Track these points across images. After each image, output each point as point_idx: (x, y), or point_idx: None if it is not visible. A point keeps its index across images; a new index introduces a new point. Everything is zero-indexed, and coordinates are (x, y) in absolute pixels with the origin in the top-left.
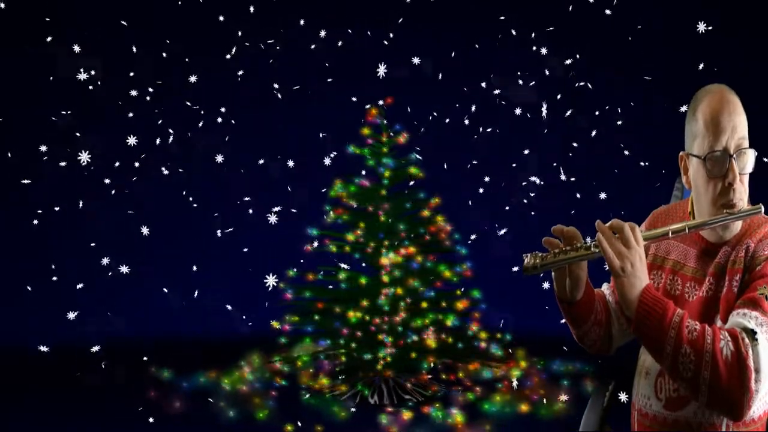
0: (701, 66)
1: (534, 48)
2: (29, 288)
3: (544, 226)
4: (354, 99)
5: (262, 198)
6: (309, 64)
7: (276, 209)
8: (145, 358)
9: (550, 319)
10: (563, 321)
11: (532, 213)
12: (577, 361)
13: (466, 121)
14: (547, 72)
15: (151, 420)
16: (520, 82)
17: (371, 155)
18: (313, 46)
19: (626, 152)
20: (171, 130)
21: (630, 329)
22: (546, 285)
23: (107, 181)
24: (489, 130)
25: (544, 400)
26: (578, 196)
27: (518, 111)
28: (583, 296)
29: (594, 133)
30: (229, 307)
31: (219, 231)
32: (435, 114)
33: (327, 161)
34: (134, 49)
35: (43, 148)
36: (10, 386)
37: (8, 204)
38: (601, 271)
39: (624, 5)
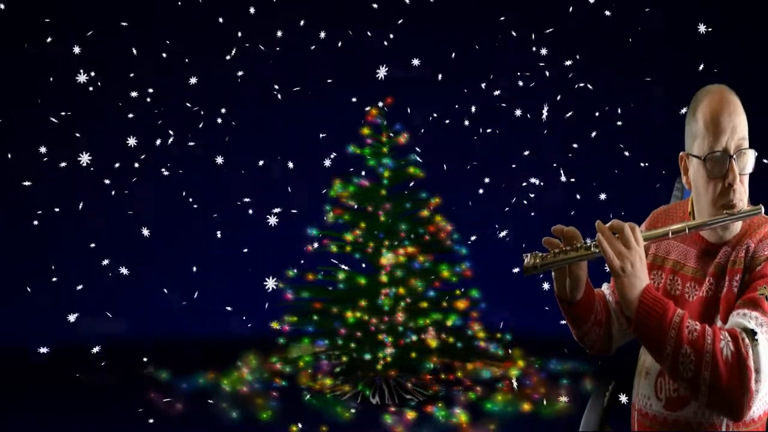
0: (701, 67)
1: (534, 49)
2: (29, 289)
3: (544, 227)
4: (354, 100)
5: (262, 199)
6: (309, 64)
7: (276, 211)
8: (144, 359)
9: (549, 318)
10: (563, 322)
11: (532, 214)
12: (574, 360)
13: (466, 122)
14: (547, 73)
15: (151, 421)
16: (521, 83)
17: (371, 155)
18: (313, 47)
19: (626, 153)
20: (171, 132)
21: (630, 329)
22: (546, 286)
23: (107, 181)
24: (489, 130)
25: (546, 400)
26: (578, 197)
27: (518, 112)
28: (583, 296)
29: (594, 133)
30: (228, 308)
31: (219, 232)
32: (435, 115)
33: (327, 162)
34: (134, 50)
35: (43, 149)
36: (10, 386)
37: (8, 205)
38: (601, 271)
39: (624, 6)
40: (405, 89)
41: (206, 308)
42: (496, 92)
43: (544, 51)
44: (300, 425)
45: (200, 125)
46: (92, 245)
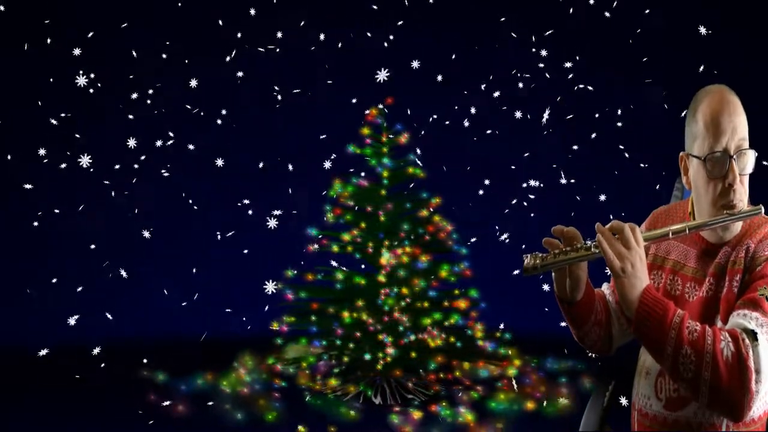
0: (701, 68)
1: (534, 50)
2: (29, 290)
3: (544, 228)
4: (354, 101)
5: (263, 199)
6: (309, 65)
7: (276, 213)
8: (144, 360)
9: (547, 318)
10: (563, 324)
11: (532, 215)
12: (570, 359)
13: (466, 123)
14: (547, 74)
15: (151, 422)
16: (521, 84)
17: (372, 155)
18: (313, 48)
19: (626, 154)
20: (171, 133)
21: (630, 330)
22: (546, 287)
23: (107, 182)
24: (489, 131)
25: (548, 398)
26: (578, 198)
27: (518, 113)
28: (584, 296)
29: (594, 135)
30: (228, 310)
31: (219, 233)
32: (435, 116)
33: (327, 163)
34: (134, 52)
35: (43, 150)
36: (10, 386)
37: (8, 206)
38: (601, 271)
39: (624, 7)
40: (405, 90)
41: (206, 309)
42: (496, 93)
43: (544, 52)
44: (307, 426)
45: (200, 126)
46: (92, 246)
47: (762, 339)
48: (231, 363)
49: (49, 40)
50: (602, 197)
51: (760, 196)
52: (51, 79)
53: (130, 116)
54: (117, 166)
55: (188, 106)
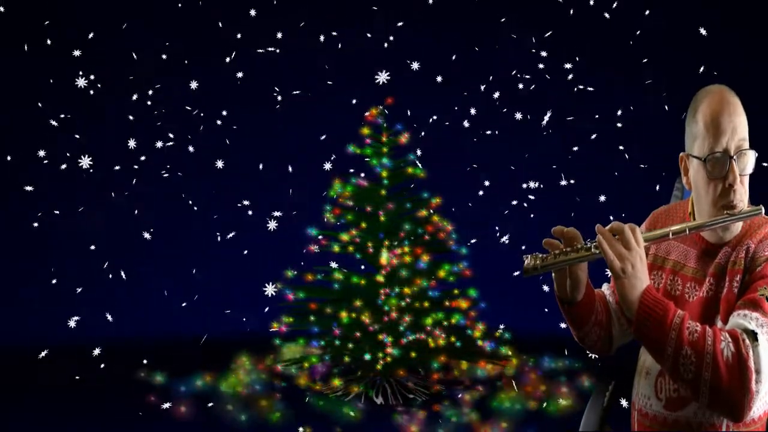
0: (702, 69)
1: (534, 51)
2: (29, 291)
3: (544, 229)
4: (354, 101)
5: (263, 200)
6: (309, 66)
7: (277, 214)
8: (144, 361)
9: (548, 319)
10: (564, 325)
11: (532, 215)
12: (567, 357)
13: (466, 123)
14: (547, 75)
15: (151, 423)
16: (521, 85)
17: (372, 155)
18: (313, 49)
19: (626, 155)
20: (171, 134)
21: (631, 330)
22: (546, 288)
23: (107, 183)
24: (488, 132)
25: (549, 397)
26: (578, 199)
27: (518, 115)
28: (584, 297)
29: (594, 135)
30: (228, 311)
31: (218, 234)
32: (435, 117)
33: (327, 163)
34: (134, 53)
35: (43, 151)
36: (10, 386)
37: (8, 207)
38: (601, 271)
39: (624, 8)
40: (405, 91)
41: (206, 310)
42: (496, 94)
43: (544, 53)
44: (312, 427)
45: (200, 127)
46: (92, 247)
47: (762, 339)
48: (230, 364)
49: (49, 41)
50: (602, 198)
51: (760, 196)
52: (51, 80)
53: (130, 117)
54: (117, 167)
55: (188, 107)
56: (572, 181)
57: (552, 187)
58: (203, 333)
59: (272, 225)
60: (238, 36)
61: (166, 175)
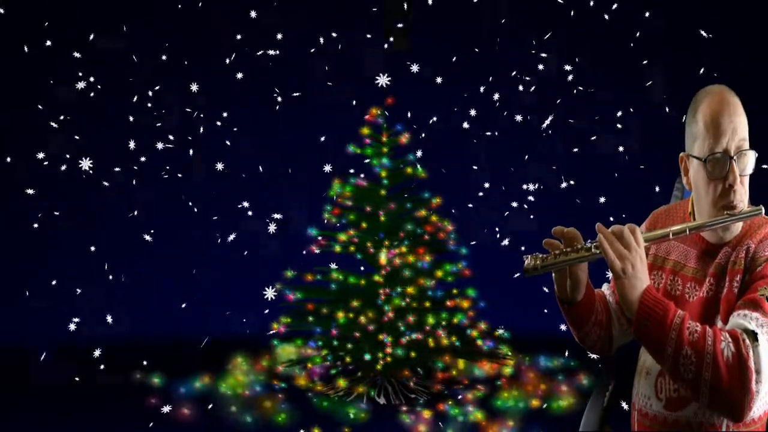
0: (702, 69)
1: (534, 52)
2: (29, 292)
3: (544, 229)
4: (354, 102)
5: (263, 201)
6: (309, 67)
7: (277, 216)
8: (144, 362)
9: (546, 319)
10: (564, 327)
11: (532, 216)
12: (564, 356)
13: (466, 125)
14: (547, 76)
15: (151, 424)
16: (521, 87)
17: (372, 155)
18: (313, 50)
19: (626, 156)
20: (171, 135)
21: (631, 330)
22: (546, 288)
23: (107, 185)
24: (488, 133)
25: (549, 397)
26: (578, 201)
27: (518, 116)
28: (584, 297)
29: (594, 136)
30: (228, 312)
31: (218, 235)
32: (435, 118)
33: (327, 164)
34: (134, 55)
35: (43, 152)
36: (10, 386)
37: (8, 208)
38: (601, 272)
39: (624, 9)
40: (405, 92)
41: (206, 311)
42: (496, 95)
43: (544, 54)
44: (320, 428)
45: (200, 129)
46: (92, 248)
47: (762, 339)
48: (229, 365)
49: (48, 43)
50: (602, 199)
51: (760, 196)
52: (51, 81)
53: (131, 118)
54: (117, 168)
55: (188, 109)
56: (572, 182)
57: (552, 187)
58: (203, 334)
59: (272, 226)
60: (238, 37)
61: (166, 176)
